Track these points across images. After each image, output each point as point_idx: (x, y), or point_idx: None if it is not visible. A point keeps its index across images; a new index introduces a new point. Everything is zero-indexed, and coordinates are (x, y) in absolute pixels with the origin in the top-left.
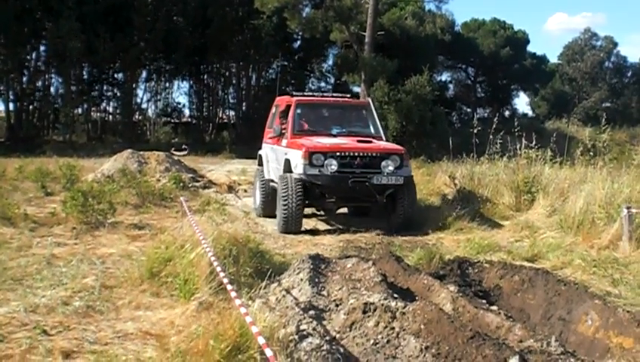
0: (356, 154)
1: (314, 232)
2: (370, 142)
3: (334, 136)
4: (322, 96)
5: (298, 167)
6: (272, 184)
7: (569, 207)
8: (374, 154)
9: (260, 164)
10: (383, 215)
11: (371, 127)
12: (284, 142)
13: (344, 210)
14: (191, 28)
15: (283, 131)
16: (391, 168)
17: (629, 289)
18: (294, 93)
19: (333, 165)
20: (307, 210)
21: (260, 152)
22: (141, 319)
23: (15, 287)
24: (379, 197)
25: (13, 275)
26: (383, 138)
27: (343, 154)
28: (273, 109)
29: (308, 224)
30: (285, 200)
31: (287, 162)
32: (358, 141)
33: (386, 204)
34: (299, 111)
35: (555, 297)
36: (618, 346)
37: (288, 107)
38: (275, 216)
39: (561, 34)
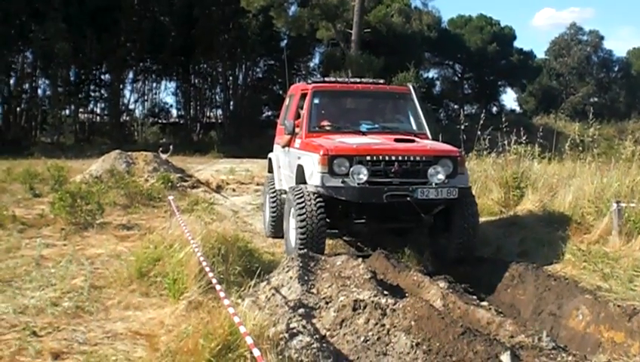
0: (393, 158)
1: None
2: (413, 141)
3: (363, 134)
4: (348, 83)
5: (314, 177)
6: (284, 196)
7: (558, 202)
8: (418, 159)
9: (271, 170)
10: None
11: (413, 122)
12: (297, 142)
13: None
14: (177, 28)
15: (297, 130)
16: (441, 177)
17: (620, 283)
18: (313, 79)
19: (362, 174)
20: None
21: (270, 155)
22: (130, 319)
23: (4, 289)
24: (424, 217)
25: (2, 277)
26: (429, 136)
27: (375, 158)
28: (287, 100)
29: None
30: (303, 220)
31: (301, 169)
32: (396, 140)
33: (434, 225)
34: (317, 101)
35: (546, 292)
36: (609, 340)
37: (304, 97)
38: None
39: (549, 29)
